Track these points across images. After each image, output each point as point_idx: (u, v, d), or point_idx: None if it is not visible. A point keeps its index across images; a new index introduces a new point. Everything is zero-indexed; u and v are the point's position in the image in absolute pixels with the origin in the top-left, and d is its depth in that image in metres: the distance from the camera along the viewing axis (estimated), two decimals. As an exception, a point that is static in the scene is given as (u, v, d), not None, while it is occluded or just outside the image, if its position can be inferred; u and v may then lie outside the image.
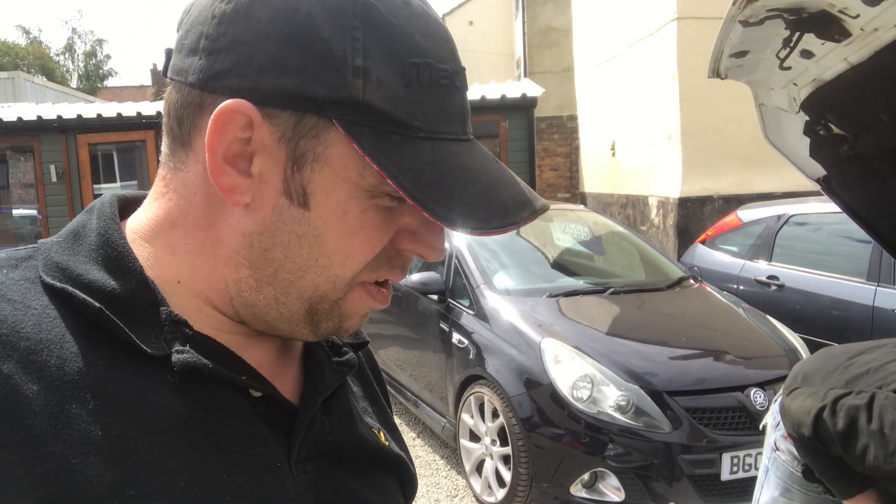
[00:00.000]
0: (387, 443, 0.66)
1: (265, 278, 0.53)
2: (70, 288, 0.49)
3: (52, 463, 0.43)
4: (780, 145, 1.70)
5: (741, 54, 1.23)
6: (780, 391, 1.96)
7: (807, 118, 1.45)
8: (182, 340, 0.51)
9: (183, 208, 0.54)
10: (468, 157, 0.53)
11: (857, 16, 0.93)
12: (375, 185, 0.50)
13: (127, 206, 0.59)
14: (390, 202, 0.52)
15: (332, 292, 0.54)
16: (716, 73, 1.33)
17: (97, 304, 0.49)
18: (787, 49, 1.11)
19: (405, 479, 0.67)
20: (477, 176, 0.52)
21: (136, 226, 0.56)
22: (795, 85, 1.34)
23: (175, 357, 0.49)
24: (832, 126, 1.37)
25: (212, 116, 0.49)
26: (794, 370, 1.83)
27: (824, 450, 1.58)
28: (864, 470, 1.48)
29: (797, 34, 1.06)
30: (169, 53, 0.54)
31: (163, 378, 0.49)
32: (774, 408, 1.98)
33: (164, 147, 0.56)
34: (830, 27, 1.00)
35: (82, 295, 0.49)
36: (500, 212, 0.51)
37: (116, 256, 0.52)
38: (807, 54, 1.13)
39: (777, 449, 1.91)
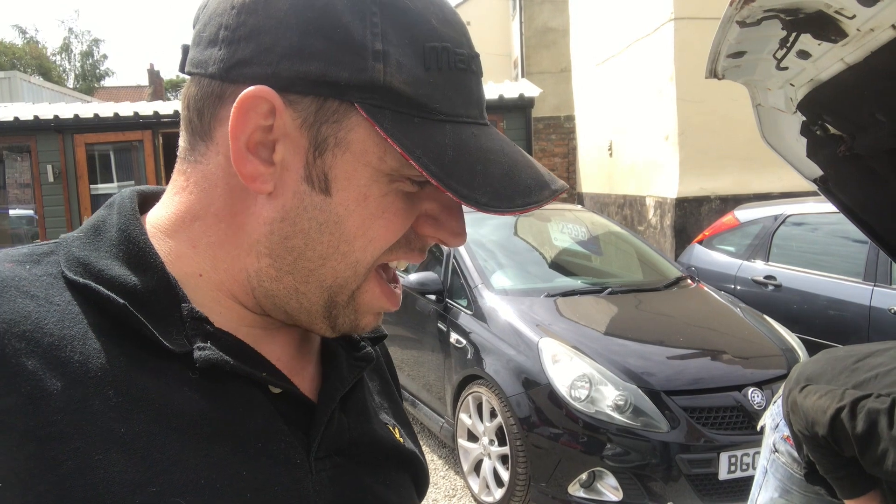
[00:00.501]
0: (402, 439, 0.67)
1: (285, 267, 0.53)
2: (93, 284, 0.49)
3: (76, 459, 0.43)
4: (777, 146, 1.70)
5: (738, 55, 1.23)
6: (779, 393, 1.96)
7: (804, 118, 1.45)
8: (203, 337, 0.51)
9: (204, 201, 0.54)
10: (487, 139, 0.53)
11: (854, 16, 0.94)
12: (396, 168, 0.51)
13: (146, 201, 0.59)
14: (411, 187, 0.53)
15: (352, 280, 0.54)
16: (713, 73, 1.34)
17: (121, 301, 0.49)
18: (784, 49, 1.12)
19: (419, 475, 0.67)
20: (498, 157, 0.52)
21: (156, 220, 0.56)
22: (792, 85, 1.34)
23: (197, 353, 0.50)
24: (829, 126, 1.37)
25: (234, 103, 0.49)
26: (795, 371, 1.83)
27: (836, 449, 1.58)
28: (880, 473, 1.48)
29: (794, 34, 1.06)
30: (185, 49, 0.55)
31: (184, 374, 0.50)
32: (773, 409, 1.98)
33: (182, 142, 0.56)
34: (827, 28, 1.00)
35: (106, 291, 0.49)
36: (523, 191, 0.51)
37: (138, 252, 0.52)
38: (803, 55, 1.13)
39: (776, 451, 1.91)
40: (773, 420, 1.96)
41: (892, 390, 1.52)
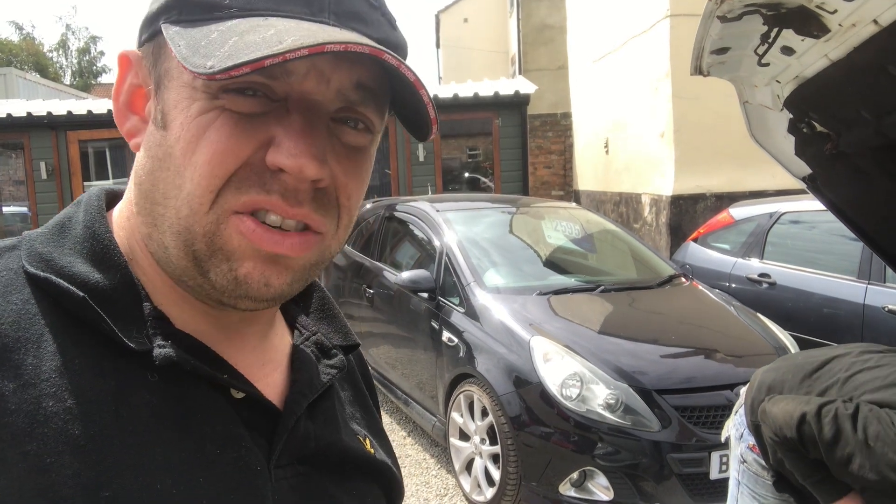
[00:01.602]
0: (372, 450, 0.65)
1: (149, 220, 0.51)
2: (53, 277, 0.49)
3: (27, 462, 0.42)
4: (765, 143, 1.69)
5: (722, 51, 1.21)
6: (740, 402, 1.96)
7: (790, 116, 1.44)
8: (164, 336, 0.50)
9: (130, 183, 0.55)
10: (288, 24, 0.47)
11: (835, 11, 0.92)
12: (208, 82, 0.47)
13: (114, 199, 0.59)
14: (243, 104, 0.48)
15: (194, 221, 0.48)
16: (698, 70, 1.32)
17: (80, 294, 0.48)
18: (766, 45, 1.10)
19: (391, 486, 0.66)
20: (269, 30, 0.46)
21: (116, 216, 0.56)
22: (778, 82, 1.33)
23: (157, 351, 0.49)
24: (815, 124, 1.36)
25: None
26: (756, 380, 1.84)
27: (805, 452, 1.59)
28: (846, 476, 1.50)
29: (775, 30, 1.04)
30: None
31: (142, 376, 0.49)
32: (736, 419, 1.99)
33: None
34: (809, 23, 0.98)
35: (66, 284, 0.48)
36: (266, 47, 0.43)
37: (102, 250, 0.52)
38: (787, 51, 1.11)
39: (744, 461, 1.91)
40: (737, 430, 1.96)
41: (850, 397, 1.54)
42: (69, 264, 0.50)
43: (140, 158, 0.52)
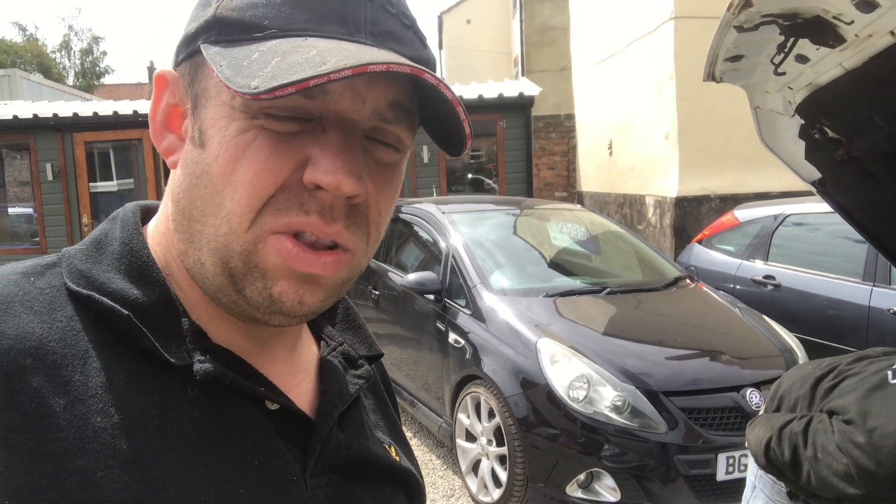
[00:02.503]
0: (397, 458, 0.67)
1: (185, 237, 0.52)
2: (96, 295, 0.50)
3: (78, 476, 0.43)
4: (775, 148, 1.70)
5: (736, 58, 1.23)
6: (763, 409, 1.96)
7: (802, 122, 1.45)
8: (202, 351, 0.51)
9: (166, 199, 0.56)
10: (327, 44, 0.48)
11: (852, 22, 0.93)
12: (249, 101, 0.48)
13: (149, 214, 0.60)
14: (281, 125, 0.49)
15: (233, 239, 0.49)
16: (711, 76, 1.33)
17: (124, 312, 0.49)
18: (782, 54, 1.11)
19: (414, 493, 0.67)
20: (311, 51, 0.46)
21: (152, 231, 0.57)
22: (790, 89, 1.34)
23: (197, 366, 0.50)
24: (827, 130, 1.37)
25: None
26: (772, 390, 1.85)
27: (783, 477, 1.59)
28: (810, 492, 1.49)
29: (791, 39, 1.06)
30: None
31: (183, 390, 0.50)
32: None
33: None
34: (825, 33, 0.99)
35: (109, 302, 0.50)
36: (311, 67, 0.44)
37: (140, 266, 0.53)
38: (802, 59, 1.12)
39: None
40: None
41: (827, 405, 1.51)
42: (108, 281, 0.51)
43: (177, 176, 0.53)
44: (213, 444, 0.49)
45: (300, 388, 0.60)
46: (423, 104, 0.53)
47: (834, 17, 0.94)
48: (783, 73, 1.16)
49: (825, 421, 1.44)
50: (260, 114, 0.48)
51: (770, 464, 1.55)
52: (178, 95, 0.54)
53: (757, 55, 1.20)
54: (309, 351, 0.65)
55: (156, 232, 0.57)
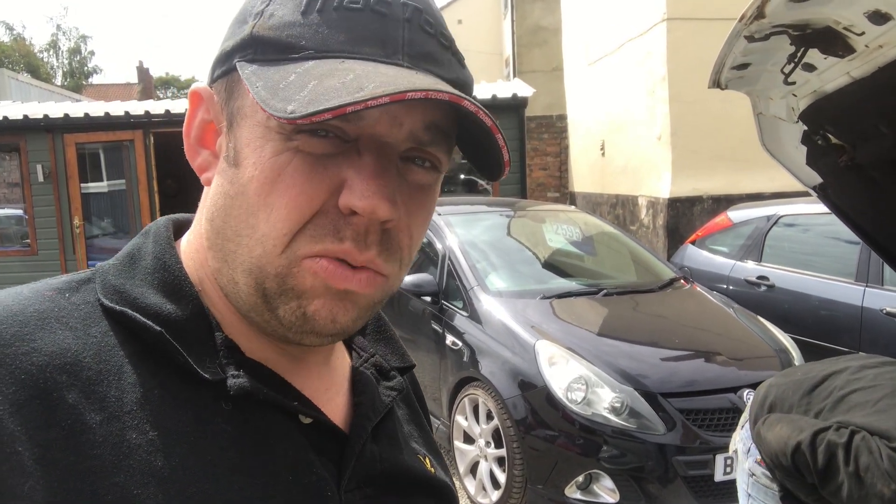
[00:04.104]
0: (432, 469, 0.66)
1: (219, 255, 0.52)
2: (130, 311, 0.50)
3: (115, 494, 0.44)
4: (776, 153, 1.71)
5: (743, 66, 1.24)
6: (745, 416, 1.97)
7: (805, 128, 1.46)
8: (236, 366, 0.51)
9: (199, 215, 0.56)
10: (364, 66, 0.47)
11: (863, 33, 0.94)
12: (284, 123, 0.47)
13: (181, 228, 0.60)
14: (317, 146, 0.48)
15: (267, 262, 0.49)
16: (716, 83, 1.34)
17: (157, 328, 0.49)
18: (792, 64, 1.12)
19: None
20: (349, 75, 0.45)
21: (185, 246, 0.57)
22: (795, 96, 1.35)
23: (231, 381, 0.50)
24: (830, 136, 1.38)
25: None
26: (759, 396, 1.85)
27: (800, 477, 1.60)
28: (838, 502, 1.50)
29: (802, 49, 1.07)
30: None
31: (217, 405, 0.50)
32: (742, 433, 1.98)
33: None
34: (835, 43, 1.01)
35: (142, 319, 0.50)
36: (348, 93, 0.43)
37: (173, 281, 0.53)
38: (808, 67, 1.14)
39: (753, 474, 1.92)
40: (744, 444, 1.96)
41: (848, 419, 1.53)
42: (142, 296, 0.51)
43: (211, 194, 0.53)
44: (247, 459, 0.49)
45: (333, 401, 0.60)
46: (461, 125, 0.52)
47: (845, 29, 0.95)
48: (794, 83, 1.18)
49: (868, 440, 1.45)
50: (295, 134, 0.48)
51: (794, 464, 1.56)
52: (213, 112, 0.54)
53: (763, 62, 1.22)
54: (342, 363, 0.64)
55: (189, 247, 0.56)
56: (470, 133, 0.52)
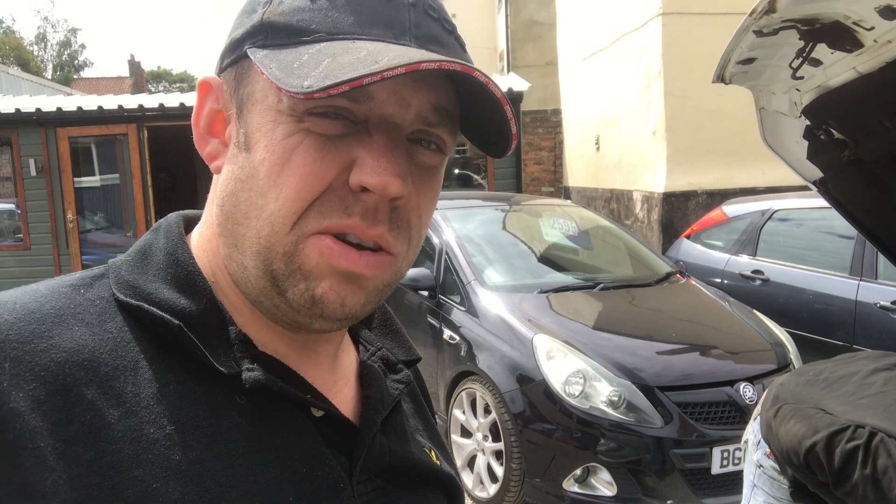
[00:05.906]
0: (438, 462, 0.67)
1: (230, 240, 0.53)
2: (146, 305, 0.50)
3: (135, 488, 0.44)
4: (777, 148, 1.72)
5: (748, 61, 1.24)
6: (758, 409, 1.98)
7: (807, 122, 1.47)
8: (250, 359, 0.52)
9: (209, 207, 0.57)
10: (377, 45, 0.48)
11: (872, 28, 0.95)
12: (295, 104, 0.49)
13: (191, 223, 0.60)
14: (327, 127, 0.49)
15: (275, 241, 0.49)
16: (720, 78, 1.35)
17: (175, 322, 0.50)
18: (801, 59, 1.13)
19: (455, 496, 0.67)
20: (361, 52, 0.47)
21: (195, 240, 0.58)
22: (798, 90, 1.36)
23: (246, 374, 0.50)
24: (833, 131, 1.39)
25: None
26: (770, 393, 1.86)
27: (812, 475, 1.61)
28: (851, 501, 1.51)
29: (810, 44, 1.08)
30: None
31: (231, 399, 0.50)
32: (754, 425, 2.00)
33: None
34: (843, 38, 1.01)
35: (159, 312, 0.50)
36: (363, 66, 0.44)
37: (186, 275, 0.53)
38: (815, 62, 1.14)
39: (761, 465, 1.93)
40: (754, 436, 1.97)
41: (865, 421, 1.53)
42: (156, 291, 0.51)
43: (222, 180, 0.53)
44: (261, 451, 0.50)
45: (342, 394, 0.60)
46: (462, 108, 0.54)
47: (854, 23, 0.95)
48: (802, 78, 1.18)
49: (887, 442, 1.45)
50: (306, 116, 0.49)
51: (806, 463, 1.57)
52: (221, 101, 0.54)
53: (768, 57, 1.22)
54: (349, 356, 0.65)
55: (200, 239, 0.57)
56: (474, 112, 0.53)
